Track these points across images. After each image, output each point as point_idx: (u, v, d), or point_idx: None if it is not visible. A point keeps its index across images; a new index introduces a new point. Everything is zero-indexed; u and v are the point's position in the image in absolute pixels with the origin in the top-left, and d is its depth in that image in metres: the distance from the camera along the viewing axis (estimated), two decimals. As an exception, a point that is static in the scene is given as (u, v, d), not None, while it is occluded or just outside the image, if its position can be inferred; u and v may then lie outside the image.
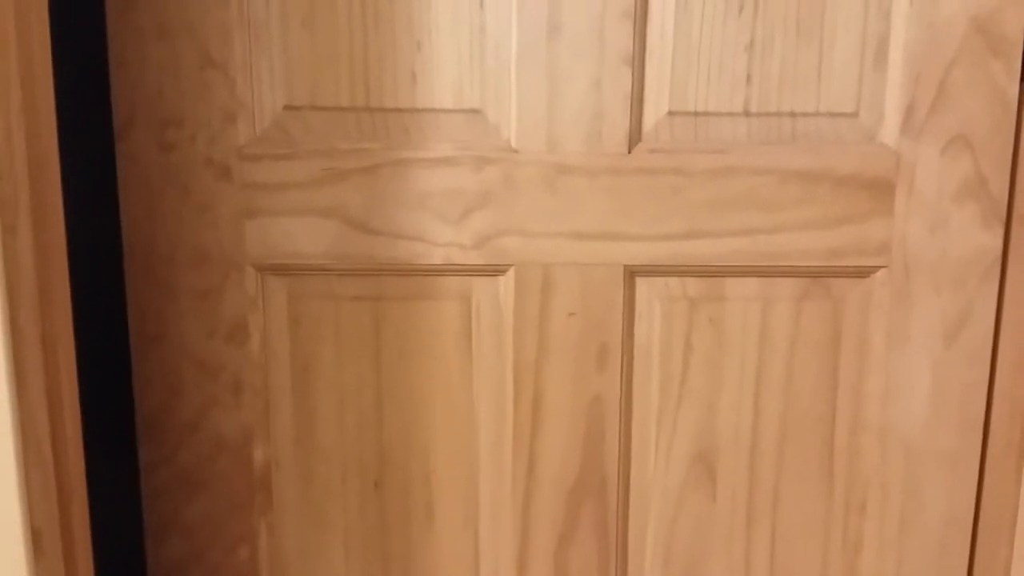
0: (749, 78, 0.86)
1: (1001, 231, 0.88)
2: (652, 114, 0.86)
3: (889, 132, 0.87)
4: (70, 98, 0.82)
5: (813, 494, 0.94)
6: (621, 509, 0.93)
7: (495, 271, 0.88)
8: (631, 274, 0.89)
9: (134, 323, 0.87)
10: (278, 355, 0.89)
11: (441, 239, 0.87)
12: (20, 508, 0.61)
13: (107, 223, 0.86)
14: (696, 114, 0.87)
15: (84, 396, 0.83)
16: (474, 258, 0.88)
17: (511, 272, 0.88)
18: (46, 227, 0.66)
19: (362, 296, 0.89)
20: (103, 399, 0.89)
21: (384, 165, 0.86)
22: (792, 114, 0.87)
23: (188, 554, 0.92)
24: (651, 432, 0.92)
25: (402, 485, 0.92)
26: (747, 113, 0.87)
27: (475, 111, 0.86)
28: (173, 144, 0.84)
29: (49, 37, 0.66)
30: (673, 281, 0.90)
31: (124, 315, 0.87)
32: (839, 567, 0.95)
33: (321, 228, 0.86)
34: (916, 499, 0.93)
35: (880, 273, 0.89)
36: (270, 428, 0.90)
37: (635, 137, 0.86)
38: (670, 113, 0.86)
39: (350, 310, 0.89)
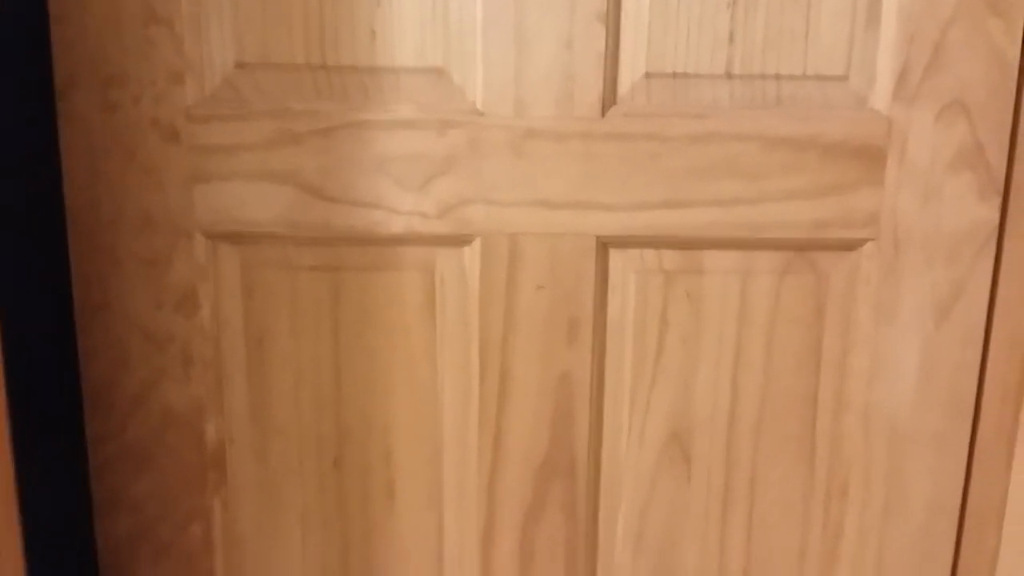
0: (731, 37, 0.81)
1: (998, 203, 0.83)
2: (627, 75, 0.82)
3: (880, 96, 0.82)
4: (7, 55, 0.78)
5: (792, 477, 0.90)
6: (591, 489, 0.90)
7: (460, 241, 0.84)
8: (604, 245, 0.85)
9: (78, 292, 0.83)
10: (230, 327, 0.85)
11: (402, 207, 0.83)
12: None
13: (51, 186, 0.82)
14: (675, 76, 0.82)
15: (28, 368, 0.79)
16: (437, 227, 0.83)
17: (476, 242, 0.84)
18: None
19: (319, 266, 0.85)
20: (51, 371, 0.86)
21: (341, 127, 0.81)
22: (777, 76, 0.82)
23: (137, 530, 0.89)
24: (623, 411, 0.88)
25: (362, 463, 0.89)
26: (729, 75, 0.82)
27: (438, 70, 0.81)
28: (117, 104, 0.80)
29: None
30: (648, 253, 0.85)
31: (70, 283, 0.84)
32: (818, 553, 0.92)
33: (274, 194, 0.82)
34: (900, 484, 0.89)
35: (868, 246, 0.85)
36: (223, 402, 0.87)
37: (609, 100, 0.82)
38: (647, 74, 0.82)
39: (307, 280, 0.85)
